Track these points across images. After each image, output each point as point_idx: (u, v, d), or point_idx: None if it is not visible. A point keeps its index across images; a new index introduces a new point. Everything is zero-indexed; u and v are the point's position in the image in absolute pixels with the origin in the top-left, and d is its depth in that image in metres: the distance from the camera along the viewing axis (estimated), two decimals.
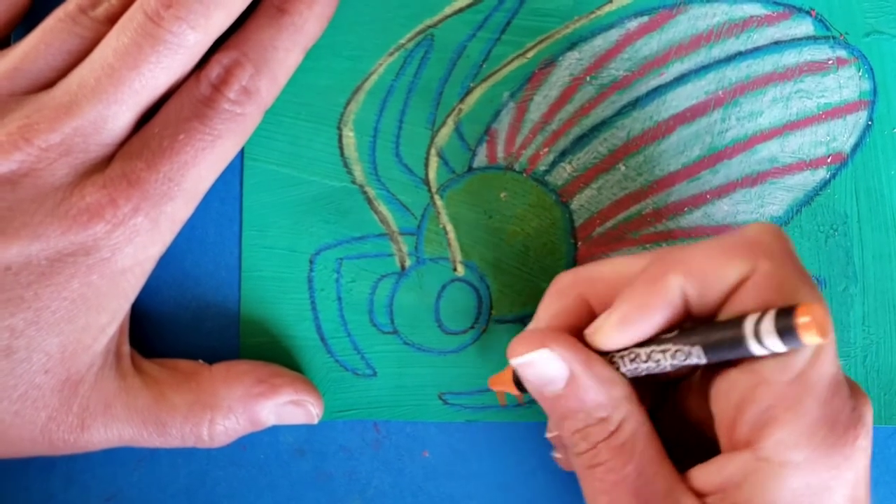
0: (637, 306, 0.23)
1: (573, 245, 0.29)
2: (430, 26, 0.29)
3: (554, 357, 0.23)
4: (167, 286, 0.29)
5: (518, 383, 0.26)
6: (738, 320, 0.21)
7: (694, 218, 0.29)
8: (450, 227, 0.29)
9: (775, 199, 0.29)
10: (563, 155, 0.29)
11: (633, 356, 0.23)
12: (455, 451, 0.29)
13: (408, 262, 0.29)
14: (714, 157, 0.29)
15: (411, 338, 0.29)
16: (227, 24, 0.25)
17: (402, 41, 0.29)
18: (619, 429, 0.23)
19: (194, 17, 0.24)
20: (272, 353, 0.29)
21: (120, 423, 0.26)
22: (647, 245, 0.29)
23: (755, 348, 0.21)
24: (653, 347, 0.23)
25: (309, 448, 0.29)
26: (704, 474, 0.23)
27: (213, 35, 0.25)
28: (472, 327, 0.29)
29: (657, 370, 0.23)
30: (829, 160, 0.29)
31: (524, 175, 0.29)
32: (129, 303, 0.26)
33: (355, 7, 0.29)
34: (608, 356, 0.24)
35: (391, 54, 0.29)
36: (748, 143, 0.29)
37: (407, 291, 0.29)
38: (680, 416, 0.26)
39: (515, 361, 0.24)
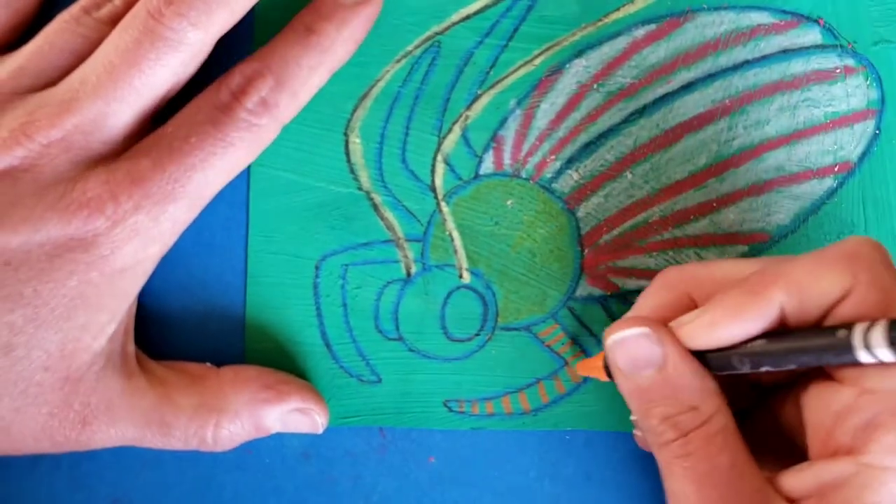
0: (731, 313, 0.23)
1: (580, 252, 0.29)
2: (437, 33, 0.29)
3: (651, 338, 0.24)
4: (173, 289, 0.29)
5: (609, 370, 0.26)
6: (833, 329, 0.22)
7: (700, 226, 0.29)
8: (456, 234, 0.29)
9: (782, 208, 0.29)
10: (570, 162, 0.29)
11: (730, 357, 0.24)
12: (461, 457, 0.29)
13: (413, 269, 0.29)
14: (721, 166, 0.29)
15: (416, 345, 0.29)
16: (230, 24, 0.25)
17: (410, 48, 0.29)
18: (712, 419, 0.23)
19: (195, 15, 0.24)
20: (277, 358, 0.29)
21: (123, 423, 0.26)
22: (654, 253, 0.29)
23: (863, 356, 0.21)
24: (745, 348, 0.23)
25: (314, 453, 0.29)
26: (797, 479, 0.23)
27: (216, 34, 0.25)
28: (477, 335, 0.29)
29: (744, 371, 0.23)
30: (836, 169, 0.29)
31: (531, 182, 0.29)
32: (128, 302, 0.26)
33: None
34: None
35: (398, 61, 0.29)
36: (755, 151, 0.29)
37: (412, 298, 0.29)
38: (773, 422, 0.26)
39: (612, 338, 0.25)
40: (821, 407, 0.23)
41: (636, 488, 0.29)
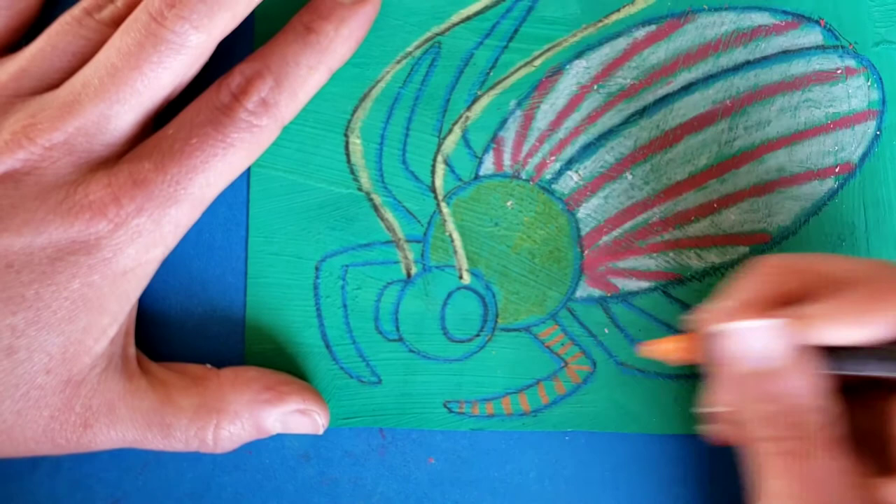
0: (881, 309, 0.22)
1: (579, 253, 0.29)
2: (437, 34, 0.29)
3: (783, 332, 0.23)
4: (174, 290, 0.29)
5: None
6: None
7: (701, 227, 0.29)
8: (456, 235, 0.29)
9: (783, 209, 0.29)
10: (570, 163, 0.29)
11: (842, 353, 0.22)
12: (461, 458, 0.29)
13: (414, 270, 0.29)
14: (721, 167, 0.29)
15: (417, 345, 0.29)
16: (231, 27, 0.25)
17: (410, 49, 0.29)
18: (833, 423, 0.23)
19: (197, 18, 0.24)
20: (277, 359, 0.29)
21: (124, 425, 0.26)
22: (654, 254, 0.29)
23: None
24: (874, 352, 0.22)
25: (314, 453, 0.29)
26: None
27: (217, 37, 0.25)
28: (477, 335, 0.29)
29: (858, 373, 0.22)
30: (837, 170, 0.29)
31: (531, 183, 0.29)
32: (130, 304, 0.26)
33: None
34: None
35: (398, 62, 0.29)
36: (756, 152, 0.29)
37: (413, 299, 0.29)
38: (869, 426, 0.25)
39: (736, 325, 0.23)
40: None
41: (636, 489, 0.29)
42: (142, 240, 0.25)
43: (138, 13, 0.24)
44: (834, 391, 0.23)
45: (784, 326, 0.23)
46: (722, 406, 0.25)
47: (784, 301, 0.24)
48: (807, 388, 0.23)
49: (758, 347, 0.23)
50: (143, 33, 0.24)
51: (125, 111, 0.24)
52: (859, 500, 0.22)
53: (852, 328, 0.22)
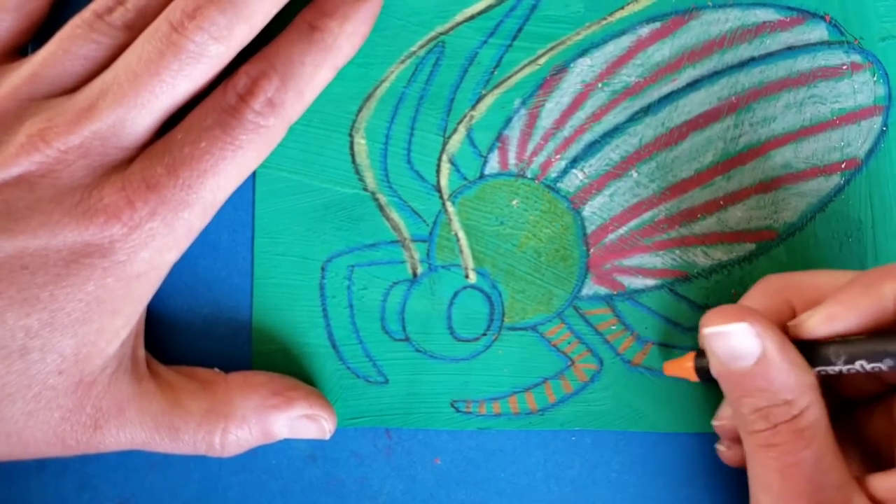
0: (847, 305, 0.24)
1: (585, 252, 0.29)
2: (441, 33, 0.29)
3: (750, 332, 0.24)
4: (180, 291, 0.29)
5: (699, 371, 0.27)
6: None
7: (707, 224, 0.29)
8: (461, 234, 0.29)
9: (789, 206, 0.29)
10: (575, 161, 0.29)
11: (828, 352, 0.24)
12: (467, 458, 0.29)
13: (419, 270, 0.29)
14: (727, 164, 0.29)
15: (423, 345, 0.29)
16: (249, 37, 0.25)
17: (414, 48, 0.29)
18: (803, 414, 0.24)
19: (217, 29, 0.24)
20: (284, 360, 0.29)
21: (133, 427, 0.26)
22: (660, 252, 0.29)
23: None
24: (850, 347, 0.24)
25: (321, 454, 0.29)
26: (884, 481, 0.24)
27: (236, 47, 0.25)
28: (484, 335, 0.29)
29: (847, 371, 0.24)
30: (843, 166, 0.29)
31: (536, 182, 0.29)
32: (143, 307, 0.26)
33: None
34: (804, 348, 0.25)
35: (403, 62, 0.29)
36: (762, 148, 0.29)
37: (419, 299, 0.29)
38: (855, 434, 0.26)
39: (710, 330, 0.25)
40: None
41: (642, 489, 0.29)
42: (155, 243, 0.25)
43: (159, 23, 0.24)
44: (819, 389, 0.24)
45: (749, 329, 0.24)
46: (725, 418, 0.28)
47: (785, 317, 0.26)
48: (781, 385, 0.24)
49: (737, 348, 0.24)
50: (164, 42, 0.24)
51: (142, 115, 0.25)
52: (841, 491, 0.23)
53: (836, 322, 0.24)
